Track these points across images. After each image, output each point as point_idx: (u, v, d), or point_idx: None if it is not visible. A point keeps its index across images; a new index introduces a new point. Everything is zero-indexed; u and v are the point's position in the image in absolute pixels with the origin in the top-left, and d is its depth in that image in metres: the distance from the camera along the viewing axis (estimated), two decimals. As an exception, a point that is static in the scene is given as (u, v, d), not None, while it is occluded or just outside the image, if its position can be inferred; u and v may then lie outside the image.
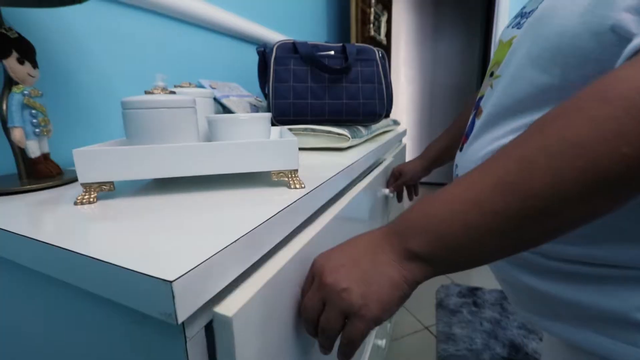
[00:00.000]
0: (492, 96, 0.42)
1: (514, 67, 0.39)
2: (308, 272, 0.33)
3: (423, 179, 0.92)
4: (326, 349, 0.31)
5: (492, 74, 0.47)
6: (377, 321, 0.29)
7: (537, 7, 0.38)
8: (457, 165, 0.51)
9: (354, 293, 0.28)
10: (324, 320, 0.30)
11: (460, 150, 0.51)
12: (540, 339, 1.26)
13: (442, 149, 0.84)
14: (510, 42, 0.43)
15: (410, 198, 0.94)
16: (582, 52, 0.31)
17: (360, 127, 0.79)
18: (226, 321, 0.22)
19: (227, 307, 0.22)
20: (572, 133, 0.23)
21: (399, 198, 0.97)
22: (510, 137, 0.38)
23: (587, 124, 0.23)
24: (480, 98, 0.48)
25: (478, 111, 0.47)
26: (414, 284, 0.29)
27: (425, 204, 0.29)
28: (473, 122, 0.48)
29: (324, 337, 0.30)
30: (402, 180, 0.88)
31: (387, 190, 0.84)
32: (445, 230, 0.27)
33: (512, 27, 0.46)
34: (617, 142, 0.22)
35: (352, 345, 0.30)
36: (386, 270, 0.28)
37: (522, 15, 0.45)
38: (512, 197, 0.24)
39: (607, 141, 0.22)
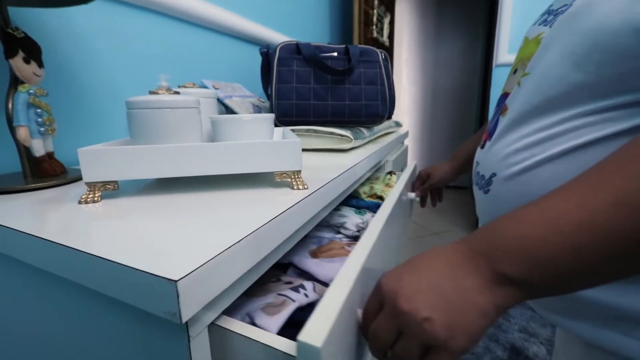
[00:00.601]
0: (520, 94, 0.42)
1: (545, 65, 0.38)
2: (373, 294, 0.30)
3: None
4: None
5: (515, 71, 0.46)
6: (464, 353, 0.26)
7: (569, 4, 0.38)
8: (478, 163, 0.50)
9: (437, 323, 0.25)
10: (400, 350, 0.27)
11: (482, 147, 0.50)
12: (541, 343, 1.25)
13: (473, 152, 0.79)
14: (538, 40, 0.42)
15: (434, 204, 0.91)
16: (621, 49, 0.30)
17: (362, 129, 0.79)
18: (314, 351, 0.20)
19: (313, 336, 0.20)
20: None
21: (423, 202, 0.91)
22: (538, 136, 0.38)
23: None
24: (504, 95, 0.48)
25: (503, 109, 0.46)
26: (502, 310, 0.26)
27: (517, 221, 0.26)
28: (497, 120, 0.47)
29: None
30: (429, 183, 0.83)
31: (413, 194, 0.82)
32: (549, 253, 0.24)
33: (539, 25, 0.45)
34: None
35: None
36: (472, 297, 0.25)
37: (550, 12, 0.44)
38: (637, 219, 0.22)
39: None
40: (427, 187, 0.84)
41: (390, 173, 0.84)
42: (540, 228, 0.24)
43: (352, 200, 0.75)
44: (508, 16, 2.04)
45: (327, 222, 0.62)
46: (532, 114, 0.39)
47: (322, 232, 0.62)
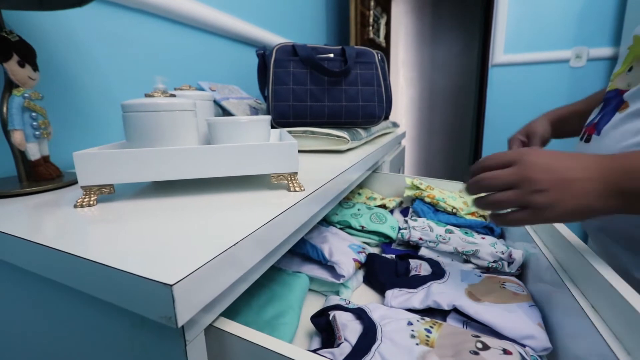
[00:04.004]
0: None
1: None
2: (509, 153, 0.37)
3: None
4: (485, 207, 0.37)
5: (631, 69, 0.47)
6: (545, 222, 0.35)
7: None
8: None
9: (549, 196, 0.33)
10: (503, 198, 0.35)
11: (587, 141, 0.50)
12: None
13: (570, 110, 0.72)
14: None
15: None
16: None
17: (359, 130, 0.79)
18: None
19: None
20: None
21: None
22: None
23: None
24: (616, 91, 0.47)
25: (622, 106, 0.46)
26: (604, 214, 0.34)
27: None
28: (611, 114, 0.47)
29: (492, 207, 0.36)
30: (537, 138, 0.71)
31: None
32: None
33: None
34: None
35: (509, 223, 0.36)
36: (590, 200, 0.33)
37: None
38: None
39: None
40: (537, 141, 0.71)
41: None
42: None
43: (451, 216, 0.67)
44: (504, 16, 2.05)
45: (454, 250, 0.56)
46: None
47: (444, 258, 0.56)
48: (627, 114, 0.45)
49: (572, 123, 0.73)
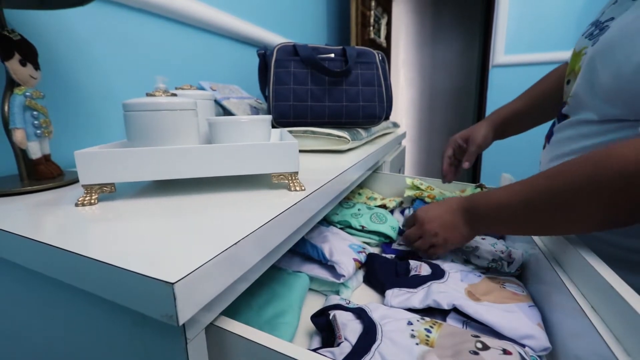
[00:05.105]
0: (576, 110, 0.49)
1: (583, 90, 0.45)
2: (411, 215, 0.59)
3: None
4: (416, 250, 0.58)
5: (569, 82, 0.54)
6: (449, 250, 0.55)
7: (609, 25, 0.42)
8: (540, 162, 0.59)
9: (440, 236, 0.52)
10: (418, 244, 0.56)
11: (544, 148, 0.59)
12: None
13: (512, 111, 0.74)
14: (580, 56, 0.49)
15: (459, 172, 0.78)
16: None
17: (360, 130, 0.79)
18: None
19: None
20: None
21: (451, 175, 0.78)
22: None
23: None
24: (565, 104, 0.54)
25: (565, 119, 0.53)
26: (473, 237, 0.52)
27: (487, 198, 0.47)
28: (556, 125, 0.55)
29: (416, 250, 0.57)
30: (474, 147, 0.72)
31: (466, 164, 0.73)
32: (496, 218, 0.46)
33: (586, 37, 0.50)
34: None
35: (433, 257, 0.56)
36: (460, 229, 0.51)
37: (597, 25, 0.49)
38: (535, 212, 0.41)
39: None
40: (474, 151, 0.73)
41: (480, 186, 0.76)
42: (490, 204, 0.47)
43: None
44: (504, 17, 2.05)
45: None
46: (594, 122, 0.46)
47: (444, 258, 0.57)
48: (560, 125, 0.53)
49: (515, 124, 0.77)
